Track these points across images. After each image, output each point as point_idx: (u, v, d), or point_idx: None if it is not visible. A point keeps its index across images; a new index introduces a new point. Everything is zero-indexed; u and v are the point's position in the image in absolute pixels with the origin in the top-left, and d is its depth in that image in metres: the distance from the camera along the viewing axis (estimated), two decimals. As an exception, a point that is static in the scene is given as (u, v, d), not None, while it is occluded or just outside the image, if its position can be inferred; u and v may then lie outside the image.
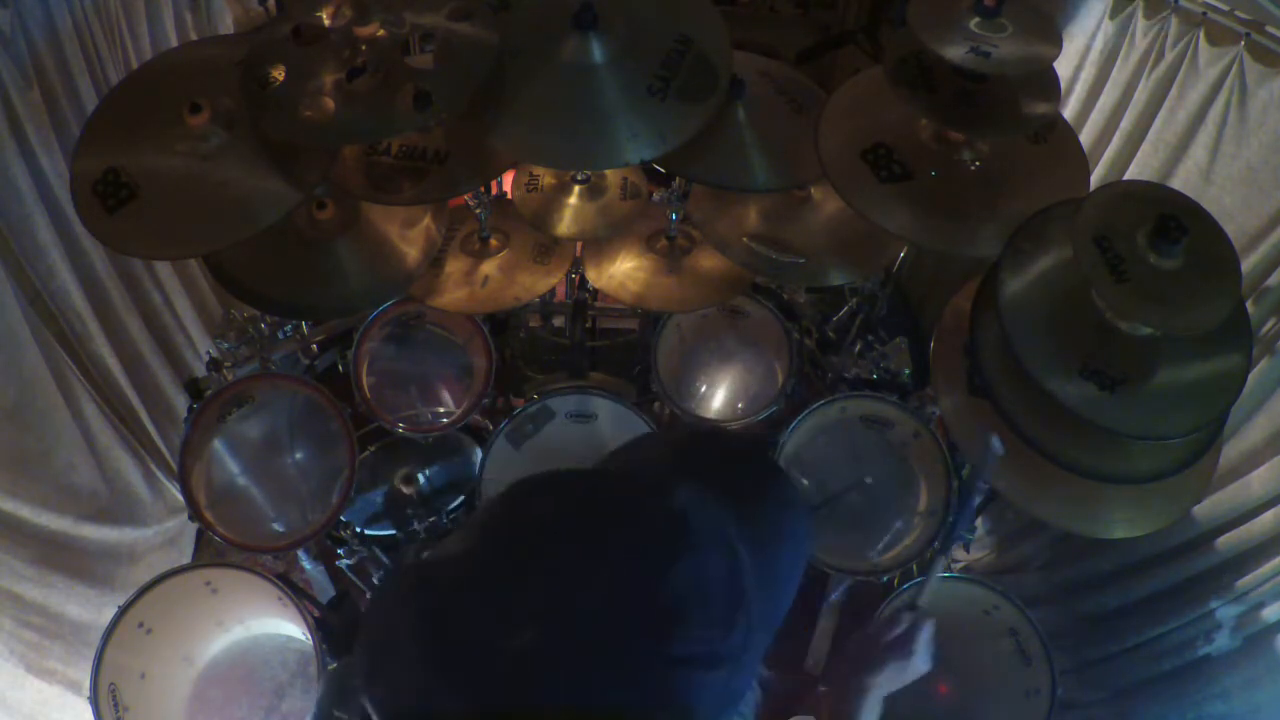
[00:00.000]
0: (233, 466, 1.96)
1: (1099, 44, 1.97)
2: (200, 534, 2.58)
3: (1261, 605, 1.75)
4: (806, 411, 1.88)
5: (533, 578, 0.59)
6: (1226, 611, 1.81)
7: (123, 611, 1.67)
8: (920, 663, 1.16)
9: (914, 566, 1.84)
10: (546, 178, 1.98)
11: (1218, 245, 1.31)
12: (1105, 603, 2.09)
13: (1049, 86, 1.57)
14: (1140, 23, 1.85)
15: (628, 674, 0.58)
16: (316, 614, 1.74)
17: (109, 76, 1.91)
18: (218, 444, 1.92)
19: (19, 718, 1.94)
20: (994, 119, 1.55)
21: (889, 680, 1.14)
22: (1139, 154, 1.95)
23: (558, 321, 2.41)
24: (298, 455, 2.04)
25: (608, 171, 1.98)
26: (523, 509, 0.65)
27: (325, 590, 2.17)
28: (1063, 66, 1.94)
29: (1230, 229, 1.33)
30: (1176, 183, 1.85)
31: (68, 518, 2.02)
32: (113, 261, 2.05)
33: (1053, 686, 1.67)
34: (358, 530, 2.06)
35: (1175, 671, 1.93)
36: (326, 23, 1.53)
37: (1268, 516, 1.70)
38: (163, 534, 2.40)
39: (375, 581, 2.14)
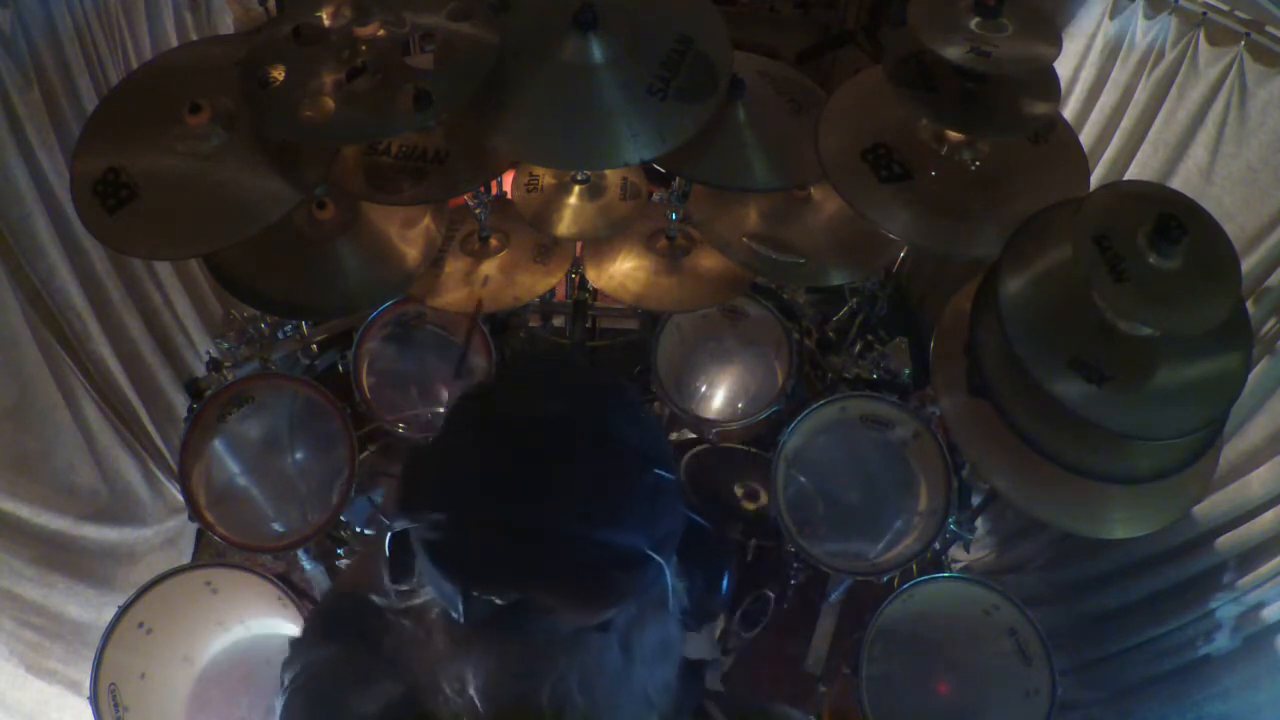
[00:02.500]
0: (233, 466, 1.96)
1: (1099, 44, 1.97)
2: (200, 534, 2.58)
3: (1261, 605, 1.75)
4: (806, 411, 1.88)
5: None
6: (1226, 611, 1.81)
7: (123, 611, 1.66)
8: None
9: (914, 566, 1.84)
10: (546, 178, 1.98)
11: (1218, 245, 1.31)
12: (1105, 603, 2.09)
13: (1049, 86, 1.57)
14: (1140, 23, 1.85)
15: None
16: (316, 614, 1.74)
17: (109, 76, 1.91)
18: (218, 444, 1.92)
19: (19, 718, 1.94)
20: (994, 119, 1.55)
21: None
22: (1139, 154, 1.95)
23: (558, 321, 2.41)
24: (298, 455, 2.03)
25: (608, 171, 1.98)
26: None
27: (325, 590, 2.17)
28: (1063, 66, 1.94)
29: (1230, 229, 1.33)
30: (1176, 183, 1.85)
31: (68, 518, 2.02)
32: (113, 261, 2.05)
33: (1053, 686, 1.67)
34: (358, 530, 2.06)
35: (1175, 671, 1.93)
36: (326, 23, 1.52)
37: (1268, 516, 1.70)
38: (163, 534, 2.40)
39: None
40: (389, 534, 0.71)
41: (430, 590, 0.70)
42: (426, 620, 0.72)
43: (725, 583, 0.79)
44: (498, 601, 0.65)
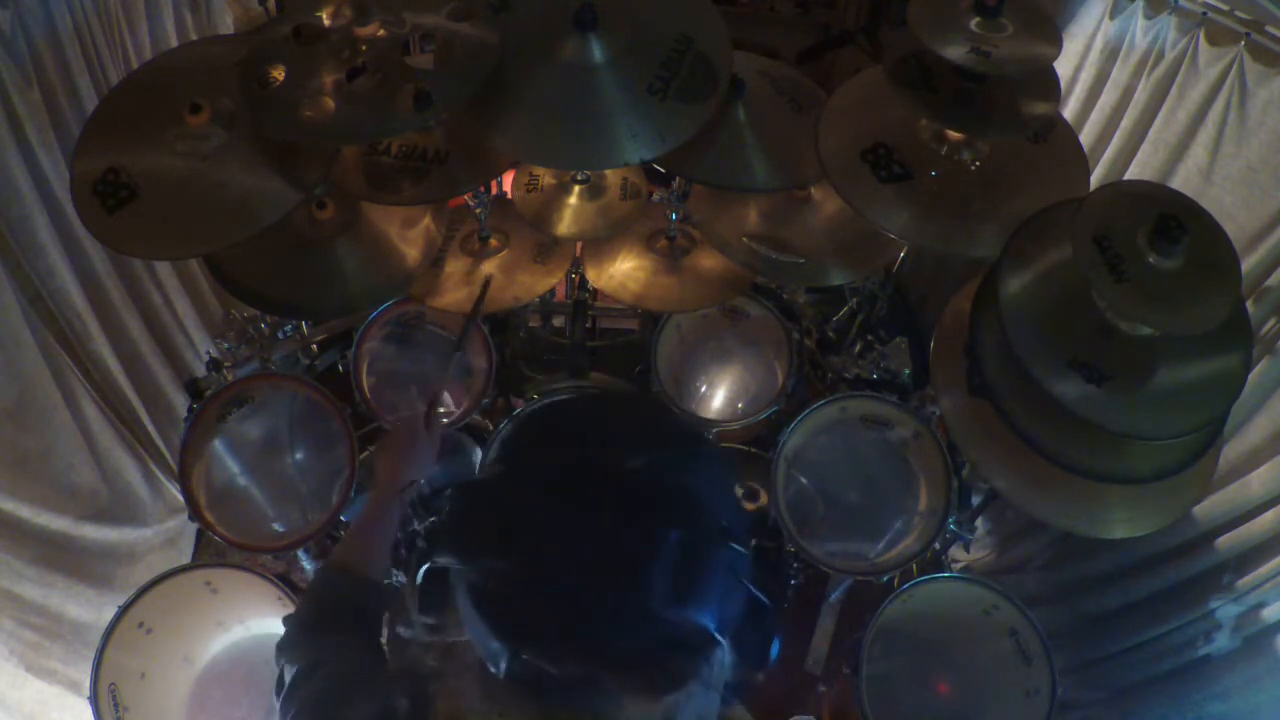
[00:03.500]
0: (233, 466, 1.96)
1: (1099, 44, 1.97)
2: (200, 534, 2.58)
3: (1261, 605, 1.75)
4: (806, 411, 1.88)
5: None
6: (1226, 611, 1.81)
7: (123, 611, 1.66)
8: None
9: (914, 566, 1.84)
10: (546, 178, 1.98)
11: (1218, 245, 1.31)
12: (1105, 603, 2.09)
13: (1049, 86, 1.57)
14: (1140, 23, 1.85)
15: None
16: (316, 614, 1.73)
17: (109, 76, 1.91)
18: (218, 444, 1.92)
19: (19, 718, 1.94)
20: (994, 119, 1.55)
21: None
22: (1139, 154, 1.95)
23: (558, 321, 2.41)
24: (298, 455, 2.03)
25: (608, 171, 1.98)
26: None
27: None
28: (1063, 66, 1.94)
29: (1230, 229, 1.33)
30: (1176, 183, 1.85)
31: (68, 518, 2.02)
32: (113, 261, 2.05)
33: (1053, 686, 1.67)
34: (358, 530, 2.06)
35: (1175, 671, 1.93)
36: (326, 23, 1.52)
37: (1268, 516, 1.70)
38: (163, 534, 2.40)
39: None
40: (424, 567, 0.66)
41: (465, 633, 0.64)
42: (457, 661, 0.67)
43: (772, 656, 0.74)
44: (549, 669, 0.59)
